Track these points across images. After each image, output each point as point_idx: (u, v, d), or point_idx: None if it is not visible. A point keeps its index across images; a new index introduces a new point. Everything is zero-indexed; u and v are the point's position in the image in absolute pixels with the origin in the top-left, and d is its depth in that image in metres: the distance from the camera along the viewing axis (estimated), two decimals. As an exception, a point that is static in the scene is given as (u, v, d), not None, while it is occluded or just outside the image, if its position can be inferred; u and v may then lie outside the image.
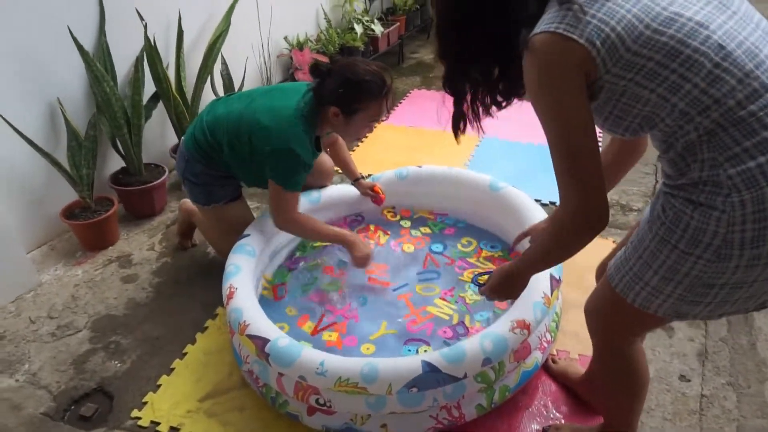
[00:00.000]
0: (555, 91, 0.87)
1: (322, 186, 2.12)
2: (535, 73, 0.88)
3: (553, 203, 2.43)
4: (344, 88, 1.65)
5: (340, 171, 2.18)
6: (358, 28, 3.54)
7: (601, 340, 1.18)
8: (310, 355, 1.33)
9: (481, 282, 1.34)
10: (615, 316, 1.08)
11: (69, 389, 1.62)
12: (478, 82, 1.05)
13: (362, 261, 1.80)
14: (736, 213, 0.82)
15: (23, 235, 2.09)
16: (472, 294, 1.80)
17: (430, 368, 1.28)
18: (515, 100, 1.08)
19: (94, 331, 1.83)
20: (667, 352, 1.66)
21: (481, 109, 1.10)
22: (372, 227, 2.16)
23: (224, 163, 1.80)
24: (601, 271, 1.33)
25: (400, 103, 3.59)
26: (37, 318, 1.89)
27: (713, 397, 1.55)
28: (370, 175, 2.20)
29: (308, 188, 2.06)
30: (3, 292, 1.94)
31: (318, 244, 2.06)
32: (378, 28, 3.65)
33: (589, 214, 0.90)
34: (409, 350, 1.61)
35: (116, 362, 1.71)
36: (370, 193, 2.10)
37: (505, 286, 1.21)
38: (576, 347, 1.68)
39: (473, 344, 1.33)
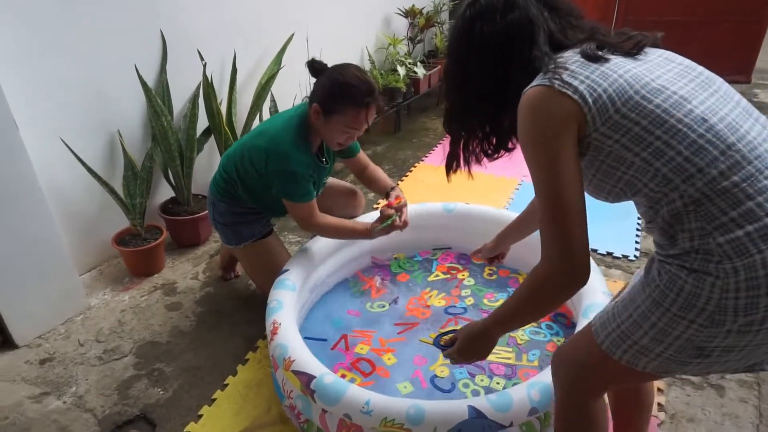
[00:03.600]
0: (548, 142, 0.89)
1: (353, 216, 2.13)
2: (529, 123, 0.92)
3: (594, 250, 2.40)
4: (329, 86, 1.69)
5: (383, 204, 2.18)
6: (401, 70, 3.64)
7: (570, 393, 1.10)
8: (355, 393, 1.33)
9: (443, 344, 1.24)
10: (596, 370, 1.03)
11: (113, 414, 1.64)
12: (472, 130, 1.09)
13: (383, 232, 1.85)
14: (729, 280, 0.82)
15: (75, 258, 2.16)
16: (522, 333, 1.81)
17: (476, 414, 1.26)
18: (504, 154, 1.12)
19: (139, 357, 1.87)
20: (718, 413, 1.59)
21: (472, 157, 1.13)
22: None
23: (240, 197, 1.87)
24: None
25: (441, 143, 3.65)
26: (86, 341, 1.94)
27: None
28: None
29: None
30: (55, 314, 2.00)
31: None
32: (420, 71, 3.75)
33: (573, 268, 0.91)
34: (461, 373, 1.65)
35: (159, 390, 1.73)
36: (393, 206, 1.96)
37: (474, 347, 1.17)
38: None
39: (521, 393, 1.31)
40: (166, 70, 2.37)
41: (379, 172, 2.07)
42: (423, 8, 4.11)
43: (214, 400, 1.68)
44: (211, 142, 2.63)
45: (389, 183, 2.06)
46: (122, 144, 2.21)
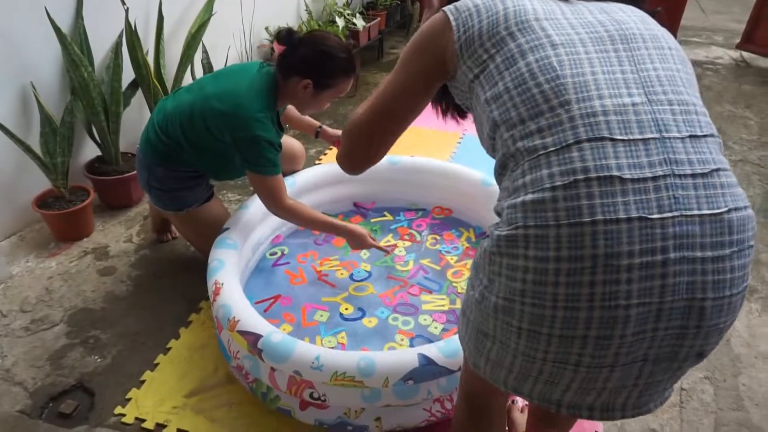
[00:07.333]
0: (411, 51, 0.89)
1: (293, 171, 2.08)
2: (413, 36, 0.91)
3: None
4: (318, 60, 1.61)
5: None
6: (340, 22, 3.51)
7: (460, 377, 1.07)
8: (304, 349, 1.31)
9: None
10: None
11: (46, 386, 1.55)
12: None
13: (361, 246, 1.82)
14: (494, 249, 0.74)
15: (-8, 224, 2.00)
16: (464, 284, 1.84)
17: (426, 361, 1.28)
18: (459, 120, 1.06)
19: (71, 326, 1.76)
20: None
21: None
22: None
23: (186, 161, 1.74)
24: None
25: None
26: (9, 312, 1.80)
27: (692, 390, 1.61)
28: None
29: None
30: (-29, 284, 1.84)
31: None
32: (360, 23, 3.63)
33: (349, 169, 1.03)
34: (382, 312, 1.72)
35: (96, 357, 1.65)
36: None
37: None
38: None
39: (469, 339, 1.34)
40: (83, 15, 2.15)
41: (296, 111, 2.01)
42: (361, -44, 3.95)
43: (156, 364, 1.62)
44: (140, 96, 2.45)
45: (315, 122, 2.07)
46: (36, 97, 2.01)
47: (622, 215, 0.65)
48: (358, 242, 1.80)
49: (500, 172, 0.79)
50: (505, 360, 0.77)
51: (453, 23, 0.83)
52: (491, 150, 0.83)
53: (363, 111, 0.95)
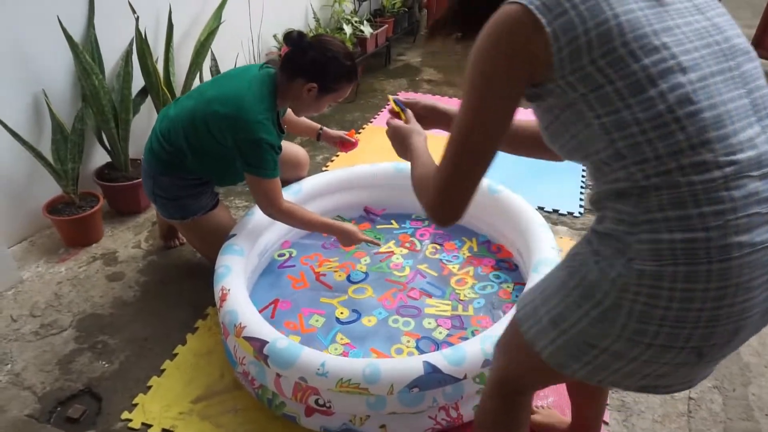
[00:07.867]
0: (492, 67, 0.76)
1: (298, 178, 2.10)
2: (484, 39, 0.77)
3: (541, 208, 2.46)
4: (324, 65, 1.63)
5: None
6: (348, 29, 3.53)
7: (491, 376, 1.04)
8: (310, 355, 1.32)
9: (396, 110, 1.23)
10: (513, 348, 0.96)
11: (55, 390, 1.56)
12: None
13: (352, 241, 1.85)
14: (631, 281, 0.74)
15: (2, 229, 2.01)
16: (468, 290, 1.86)
17: (432, 369, 1.28)
18: None
19: (80, 331, 1.78)
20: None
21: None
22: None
23: (189, 168, 1.75)
24: None
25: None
26: (19, 316, 1.82)
27: (700, 399, 1.59)
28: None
29: (286, 182, 2.02)
30: (-18, 289, 1.87)
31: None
32: (367, 30, 3.65)
33: (440, 219, 0.88)
34: (380, 313, 1.73)
35: (104, 362, 1.66)
36: (343, 136, 2.07)
37: (397, 143, 1.17)
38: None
39: (474, 346, 1.34)
40: (94, 24, 2.18)
41: (294, 116, 2.00)
42: (369, -36, 3.98)
43: (163, 370, 1.63)
44: (149, 104, 2.48)
45: (315, 124, 2.09)
46: (48, 105, 2.04)
47: (759, 246, 0.72)
48: (348, 239, 1.83)
49: (619, 194, 0.76)
50: (613, 365, 0.81)
51: (547, 28, 0.72)
52: (595, 169, 0.80)
53: (452, 154, 0.83)
